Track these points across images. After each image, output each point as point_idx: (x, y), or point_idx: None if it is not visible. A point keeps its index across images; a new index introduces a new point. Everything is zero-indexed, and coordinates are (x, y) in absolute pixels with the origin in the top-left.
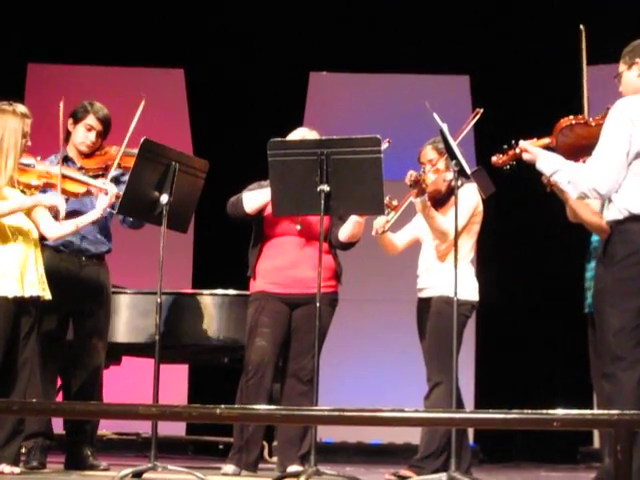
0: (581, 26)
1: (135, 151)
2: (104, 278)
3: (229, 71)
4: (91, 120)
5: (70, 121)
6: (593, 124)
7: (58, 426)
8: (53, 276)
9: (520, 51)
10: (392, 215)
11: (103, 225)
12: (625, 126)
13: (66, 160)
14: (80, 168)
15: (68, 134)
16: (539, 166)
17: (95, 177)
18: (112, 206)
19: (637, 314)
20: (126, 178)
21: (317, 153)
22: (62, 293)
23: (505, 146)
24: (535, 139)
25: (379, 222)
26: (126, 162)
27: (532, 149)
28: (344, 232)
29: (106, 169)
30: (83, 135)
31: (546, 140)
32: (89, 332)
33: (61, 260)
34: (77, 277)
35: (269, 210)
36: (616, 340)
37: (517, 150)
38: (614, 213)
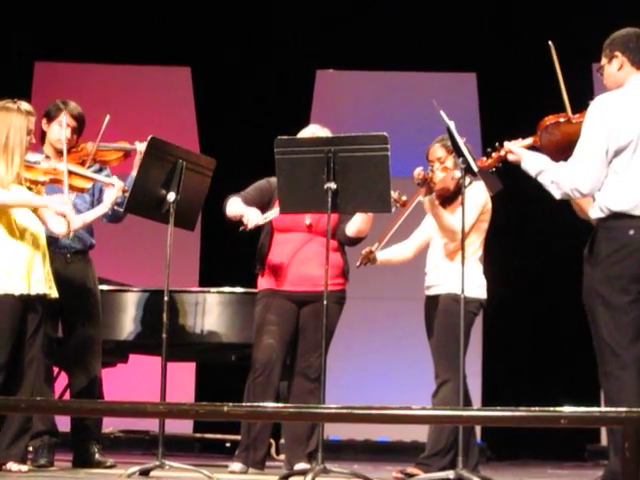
0: (549, 42)
1: (110, 145)
2: (90, 274)
3: (236, 69)
4: (64, 117)
5: (44, 120)
6: (574, 121)
7: (64, 424)
8: None
9: (526, 48)
10: (376, 246)
11: None
12: (602, 124)
13: (47, 159)
14: None
15: (43, 134)
16: (524, 166)
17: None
18: (121, 204)
19: (627, 310)
20: (106, 172)
21: (324, 151)
22: None
23: (489, 149)
24: (520, 139)
25: (364, 254)
26: (101, 156)
27: (516, 150)
28: (352, 227)
29: (82, 164)
30: (58, 132)
31: (530, 140)
32: (80, 329)
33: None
34: (63, 275)
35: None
36: (610, 338)
37: (502, 152)
38: (597, 211)
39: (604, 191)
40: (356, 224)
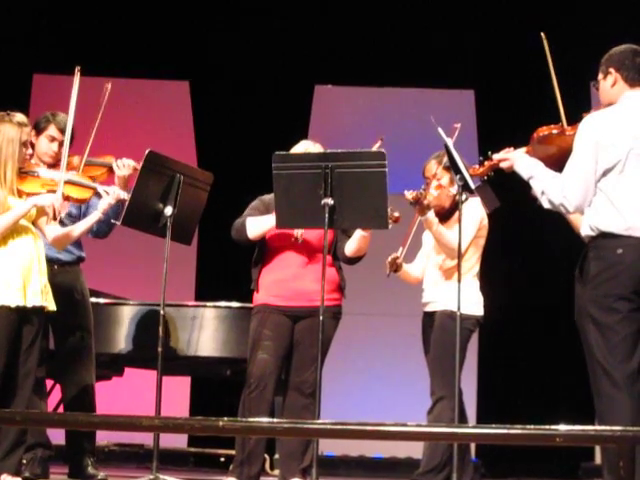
0: (542, 33)
1: (97, 160)
2: (78, 284)
3: (234, 84)
4: (52, 131)
5: (32, 133)
6: (568, 133)
7: (59, 437)
8: None
9: (524, 66)
10: (401, 251)
11: None
12: (590, 145)
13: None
14: None
15: (32, 147)
16: (517, 169)
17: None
18: (116, 216)
19: (616, 329)
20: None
21: (321, 166)
22: None
23: (481, 158)
24: (512, 148)
25: (390, 261)
26: (87, 172)
27: (509, 155)
28: (350, 247)
29: None
30: (46, 146)
31: (522, 150)
32: (70, 340)
33: None
34: (50, 285)
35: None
36: (602, 357)
37: (494, 161)
38: (587, 229)
39: (593, 210)
40: (354, 243)
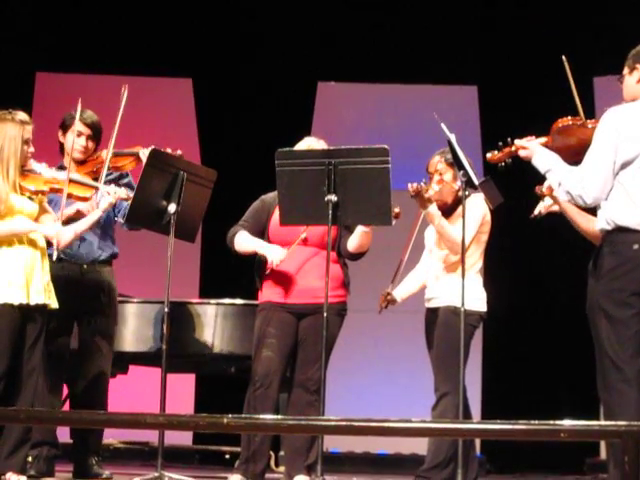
0: (563, 57)
1: (124, 151)
2: (108, 282)
3: (237, 81)
4: (79, 126)
5: (60, 132)
6: (590, 126)
7: (65, 435)
8: (55, 285)
9: (528, 62)
10: (391, 287)
11: (104, 231)
12: (610, 137)
13: (61, 169)
14: None
15: (61, 146)
16: (534, 162)
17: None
18: (121, 214)
19: (629, 324)
20: (125, 180)
21: (325, 163)
22: (64, 301)
23: (500, 143)
24: (533, 137)
25: (382, 298)
26: (115, 162)
27: (529, 145)
28: (352, 243)
29: (96, 172)
30: (72, 142)
31: (542, 140)
32: (93, 337)
33: (62, 269)
34: (78, 283)
35: (275, 220)
36: (612, 351)
37: (513, 148)
38: (603, 223)
39: (610, 203)
40: (356, 239)
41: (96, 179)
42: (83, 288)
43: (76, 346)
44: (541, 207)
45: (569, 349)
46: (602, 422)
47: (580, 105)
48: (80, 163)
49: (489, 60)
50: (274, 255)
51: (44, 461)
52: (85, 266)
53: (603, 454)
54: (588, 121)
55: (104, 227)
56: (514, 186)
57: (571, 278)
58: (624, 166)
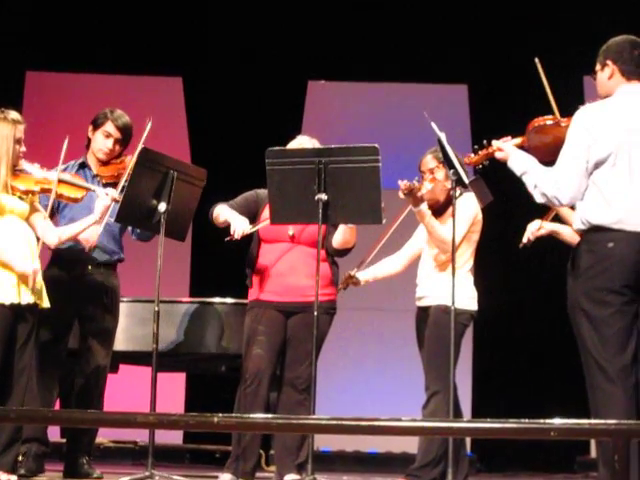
0: (536, 59)
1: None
2: (111, 284)
3: (227, 80)
4: (109, 127)
5: (90, 128)
6: (563, 124)
7: (56, 434)
8: (57, 284)
9: (517, 61)
10: (354, 270)
11: (112, 234)
12: (582, 136)
13: (83, 167)
14: (95, 176)
15: (89, 141)
16: (510, 165)
17: (106, 186)
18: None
19: (609, 323)
20: None
21: (315, 162)
22: (65, 300)
23: (476, 146)
24: (509, 137)
25: (343, 279)
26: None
27: (506, 147)
28: (337, 239)
29: (117, 177)
30: (101, 142)
31: (517, 140)
32: (92, 336)
33: (66, 269)
34: (81, 283)
35: (265, 216)
36: (595, 351)
37: (490, 150)
38: (578, 223)
39: (585, 203)
40: (340, 235)
41: (115, 184)
42: (87, 289)
43: (76, 345)
44: (528, 234)
45: (559, 347)
46: (592, 421)
47: (554, 104)
48: (104, 164)
49: (479, 59)
50: (238, 226)
51: (33, 459)
52: (90, 267)
53: (594, 452)
54: (562, 119)
55: (114, 233)
56: (504, 186)
57: (562, 277)
58: (597, 165)
